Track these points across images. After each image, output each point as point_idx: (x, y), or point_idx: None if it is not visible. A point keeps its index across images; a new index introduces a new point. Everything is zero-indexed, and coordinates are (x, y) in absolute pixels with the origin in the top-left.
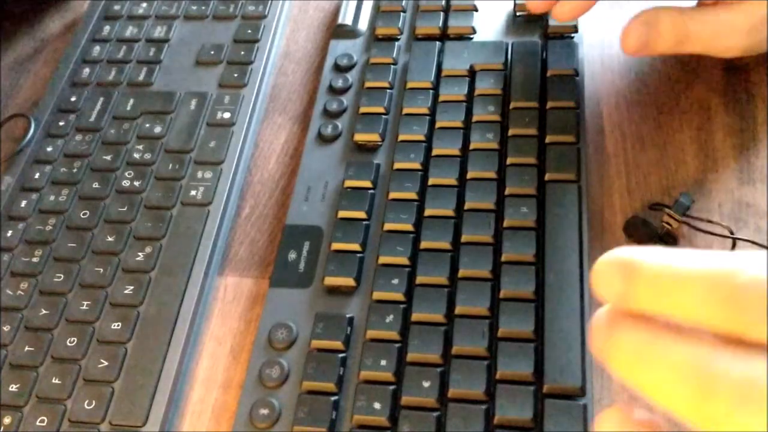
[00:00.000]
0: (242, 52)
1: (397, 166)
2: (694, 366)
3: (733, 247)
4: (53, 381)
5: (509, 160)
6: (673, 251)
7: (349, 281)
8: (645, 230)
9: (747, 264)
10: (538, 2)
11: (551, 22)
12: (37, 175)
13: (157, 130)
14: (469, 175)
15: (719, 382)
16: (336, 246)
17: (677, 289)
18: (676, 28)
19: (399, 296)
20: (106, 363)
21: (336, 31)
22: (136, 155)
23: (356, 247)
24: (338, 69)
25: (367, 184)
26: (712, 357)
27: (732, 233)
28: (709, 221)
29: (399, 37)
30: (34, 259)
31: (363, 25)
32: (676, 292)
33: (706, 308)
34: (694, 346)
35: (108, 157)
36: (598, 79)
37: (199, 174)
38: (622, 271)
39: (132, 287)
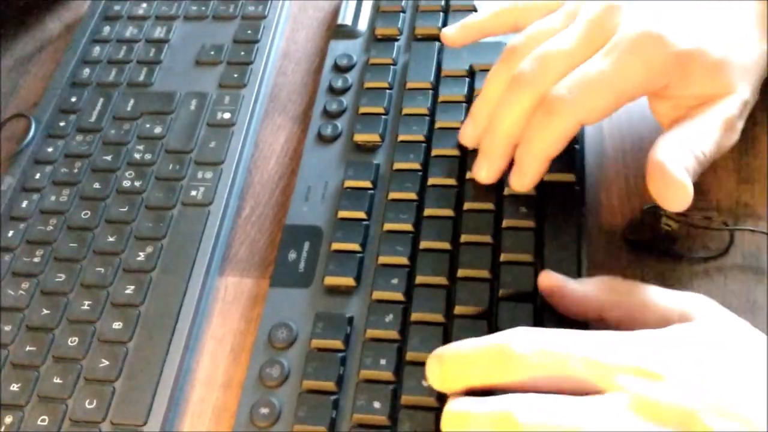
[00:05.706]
0: (242, 53)
1: (396, 166)
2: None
3: (731, 238)
4: (54, 380)
5: None
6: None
7: (349, 281)
8: (646, 234)
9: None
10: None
11: None
12: (37, 176)
13: (158, 130)
14: (469, 175)
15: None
16: (336, 246)
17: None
18: (698, 169)
19: (399, 296)
20: (107, 362)
21: (336, 31)
22: (137, 155)
23: (356, 247)
24: (338, 69)
25: (367, 184)
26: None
27: (727, 225)
28: (706, 217)
29: (399, 37)
30: (36, 259)
31: (363, 25)
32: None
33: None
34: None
35: (108, 158)
36: None
37: (200, 174)
38: (436, 362)
39: (133, 287)
